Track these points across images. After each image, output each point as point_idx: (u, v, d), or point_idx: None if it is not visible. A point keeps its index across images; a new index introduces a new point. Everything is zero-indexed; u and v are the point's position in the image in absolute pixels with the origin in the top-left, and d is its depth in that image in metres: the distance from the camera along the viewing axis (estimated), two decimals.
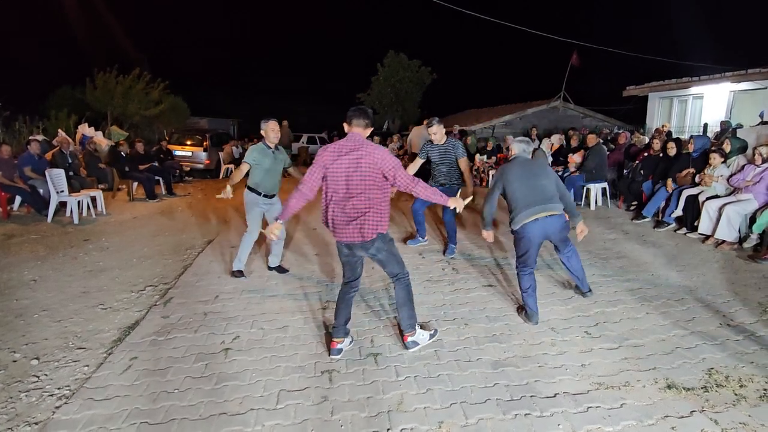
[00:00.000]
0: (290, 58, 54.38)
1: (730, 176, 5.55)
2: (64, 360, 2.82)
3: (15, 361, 2.81)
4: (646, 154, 7.32)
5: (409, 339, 2.87)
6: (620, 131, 10.53)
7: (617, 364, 2.70)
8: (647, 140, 8.25)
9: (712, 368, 2.63)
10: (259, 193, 4.07)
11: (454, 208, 2.83)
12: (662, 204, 6.20)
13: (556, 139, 9.94)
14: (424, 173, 4.55)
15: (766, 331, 3.09)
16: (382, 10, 55.19)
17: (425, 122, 6.07)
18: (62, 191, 6.82)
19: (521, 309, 3.41)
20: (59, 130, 9.96)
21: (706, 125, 9.70)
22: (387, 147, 11.75)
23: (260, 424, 2.20)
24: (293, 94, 38.49)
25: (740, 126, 8.06)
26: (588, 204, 7.37)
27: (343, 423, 2.21)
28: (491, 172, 10.26)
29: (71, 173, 7.64)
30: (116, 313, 3.52)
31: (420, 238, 5.33)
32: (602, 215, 6.89)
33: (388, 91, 22.80)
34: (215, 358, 2.82)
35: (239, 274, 4.24)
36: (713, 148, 6.05)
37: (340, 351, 2.84)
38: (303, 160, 16.02)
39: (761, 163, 5.21)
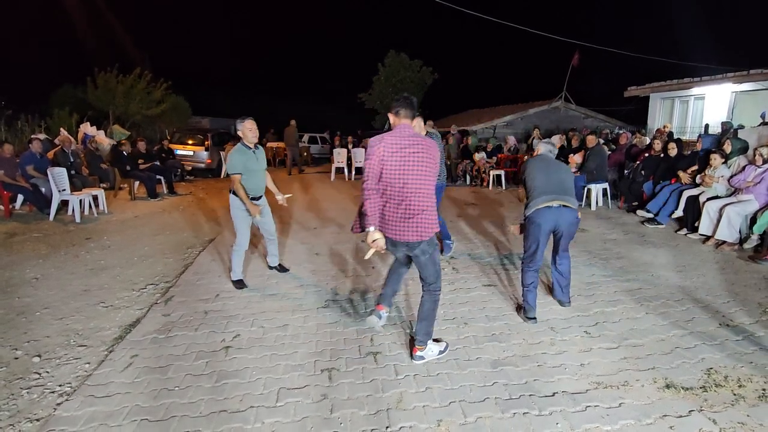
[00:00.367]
0: (290, 58, 54.49)
1: (731, 177, 5.55)
2: (66, 357, 2.84)
3: (17, 358, 2.82)
4: (647, 154, 7.33)
5: (419, 353, 2.74)
6: (622, 131, 10.53)
7: (616, 364, 2.70)
8: (648, 141, 8.25)
9: (711, 368, 2.63)
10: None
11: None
12: (662, 203, 6.21)
13: (557, 140, 9.93)
14: None
15: (766, 332, 3.10)
16: (382, 10, 55.25)
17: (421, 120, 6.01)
18: (64, 190, 6.84)
19: (520, 308, 3.41)
20: (61, 129, 9.98)
21: (707, 126, 9.70)
22: None
23: (260, 422, 2.21)
24: (293, 94, 38.58)
25: (741, 127, 8.06)
26: (589, 204, 7.38)
27: (343, 421, 2.22)
28: (492, 172, 10.27)
29: (73, 172, 7.65)
30: (117, 311, 3.54)
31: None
32: (603, 215, 6.89)
33: (390, 91, 22.81)
34: (215, 356, 2.83)
35: (240, 284, 4.02)
36: (713, 149, 6.06)
37: (380, 315, 2.99)
38: (304, 160, 16.04)
39: (762, 164, 5.21)
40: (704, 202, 5.45)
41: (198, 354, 2.86)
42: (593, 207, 7.28)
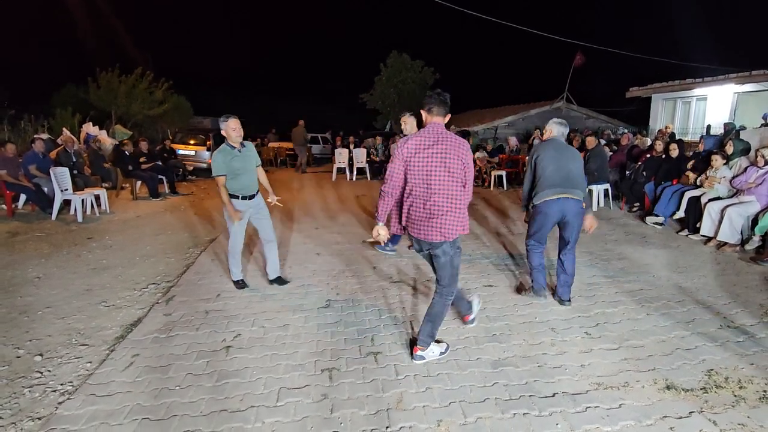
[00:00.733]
0: (290, 58, 54.52)
1: (733, 178, 5.54)
2: (67, 356, 2.85)
3: (19, 357, 2.84)
4: (648, 155, 7.31)
5: (419, 353, 2.73)
6: (623, 132, 10.52)
7: (617, 365, 2.70)
8: (650, 142, 8.23)
9: (711, 369, 2.63)
10: (237, 197, 3.79)
11: None
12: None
13: None
14: None
15: (767, 333, 3.09)
16: (382, 10, 55.25)
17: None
18: (66, 189, 6.86)
19: (521, 288, 3.42)
20: (64, 129, 10.02)
21: (709, 127, 9.68)
22: (389, 147, 11.74)
23: (260, 421, 2.22)
24: (293, 94, 38.60)
25: (743, 128, 8.04)
26: (590, 205, 7.37)
27: (343, 421, 2.23)
28: (493, 173, 10.26)
29: (75, 172, 7.68)
30: (119, 311, 3.55)
31: (391, 244, 4.92)
32: (604, 216, 6.89)
33: (391, 91, 22.83)
34: (216, 356, 2.84)
35: (241, 284, 4.02)
36: (715, 150, 6.05)
37: (473, 320, 3.18)
38: (305, 160, 16.03)
39: (764, 165, 5.19)
40: (706, 203, 5.44)
41: (199, 353, 2.87)
42: (595, 208, 7.28)
